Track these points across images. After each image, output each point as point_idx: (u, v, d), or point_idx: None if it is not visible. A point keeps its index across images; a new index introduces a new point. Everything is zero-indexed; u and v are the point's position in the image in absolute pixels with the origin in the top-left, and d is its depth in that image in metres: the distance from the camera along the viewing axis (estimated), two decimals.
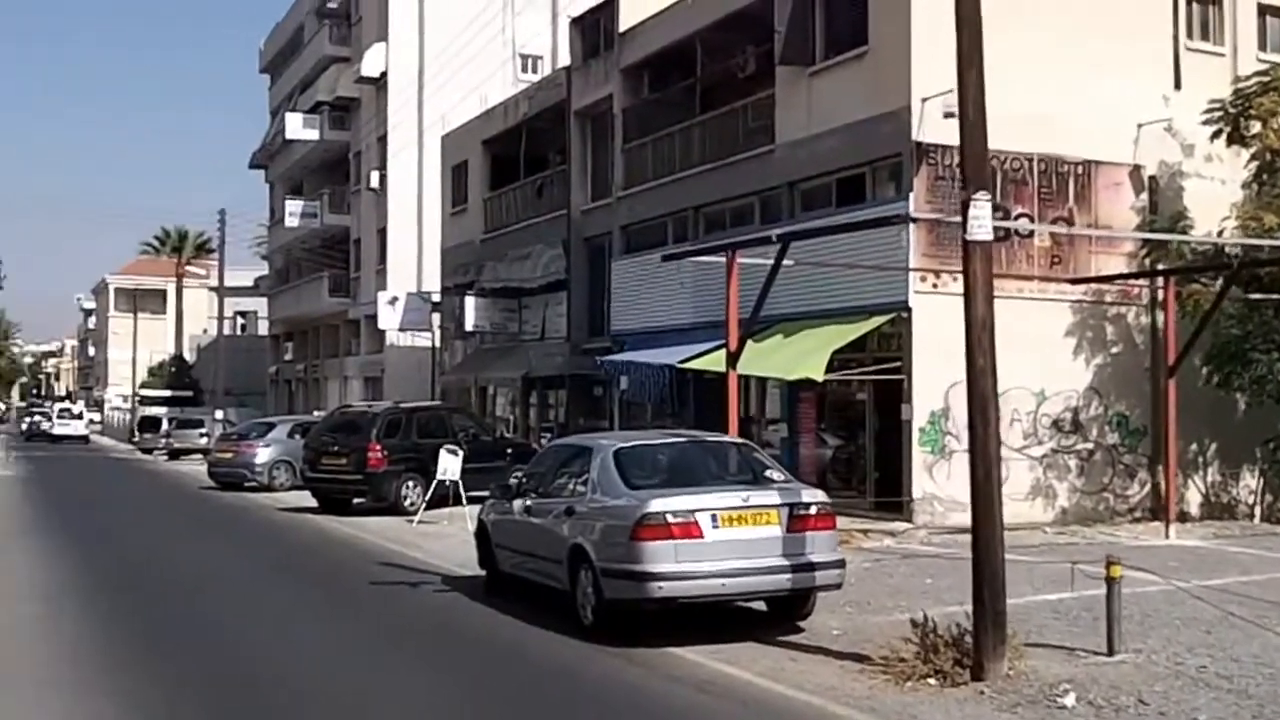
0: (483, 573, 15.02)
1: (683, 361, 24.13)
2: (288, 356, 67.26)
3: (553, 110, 35.34)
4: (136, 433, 64.87)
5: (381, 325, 46.90)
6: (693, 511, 11.27)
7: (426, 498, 23.88)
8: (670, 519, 11.18)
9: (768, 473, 12.45)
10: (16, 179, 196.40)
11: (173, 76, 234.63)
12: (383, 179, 51.77)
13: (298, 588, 16.17)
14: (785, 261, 16.17)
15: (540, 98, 36.73)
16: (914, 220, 19.35)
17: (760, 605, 12.53)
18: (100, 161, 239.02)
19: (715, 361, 21.86)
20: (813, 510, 11.78)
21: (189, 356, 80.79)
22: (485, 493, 25.02)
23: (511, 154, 38.44)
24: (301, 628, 13.09)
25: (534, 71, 47.81)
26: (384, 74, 51.33)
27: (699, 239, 27.64)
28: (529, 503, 13.45)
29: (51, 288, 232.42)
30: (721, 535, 11.28)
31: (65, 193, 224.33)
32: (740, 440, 14.22)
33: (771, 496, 11.71)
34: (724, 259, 16.66)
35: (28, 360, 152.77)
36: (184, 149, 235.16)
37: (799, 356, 21.09)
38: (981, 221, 10.22)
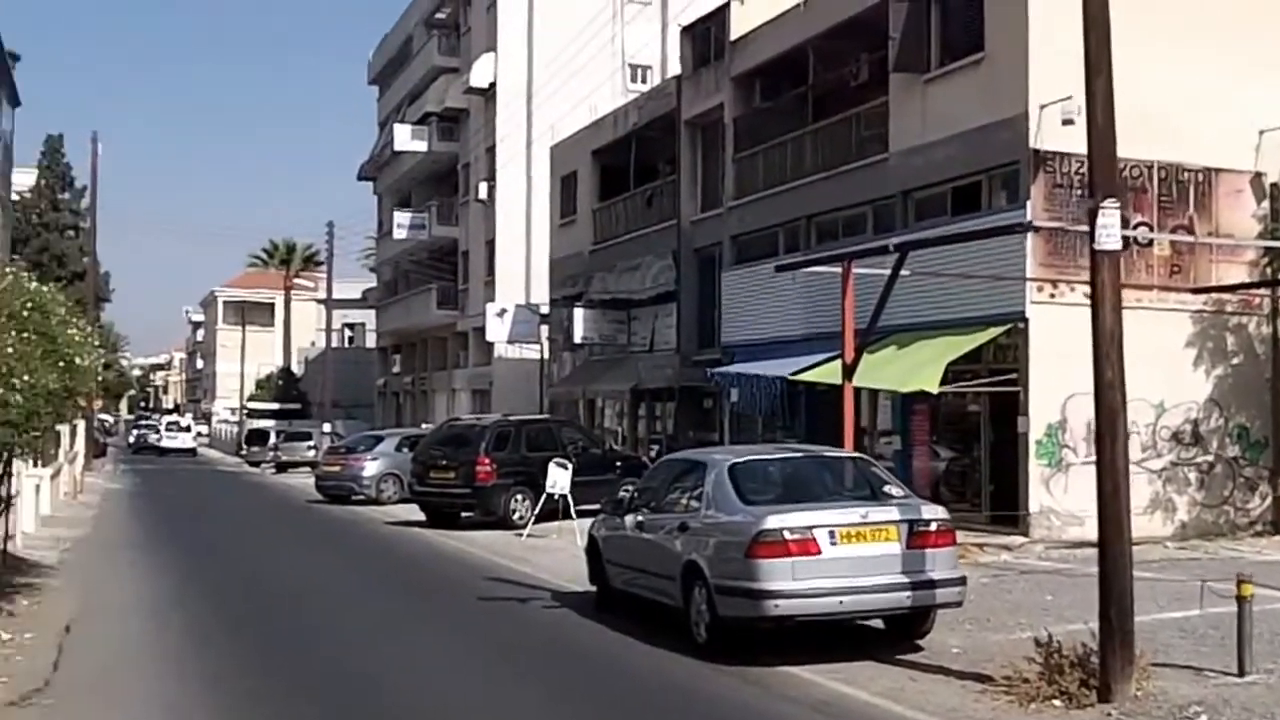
0: (593, 588, 14.84)
1: (795, 373, 23.85)
2: (396, 369, 67.63)
3: (663, 120, 35.20)
4: (244, 445, 65.43)
5: (490, 337, 47.01)
6: (810, 528, 11.01)
7: (535, 512, 23.78)
8: (787, 535, 10.93)
9: (886, 488, 12.15)
10: (126, 193, 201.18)
11: (281, 89, 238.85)
12: (491, 190, 51.89)
13: (406, 602, 16.09)
14: (901, 271, 15.82)
15: (650, 107, 36.62)
16: (1036, 229, 18.90)
17: (877, 622, 12.23)
18: (209, 175, 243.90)
19: (828, 373, 21.55)
20: (933, 526, 11.48)
21: (297, 369, 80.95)
22: (595, 506, 25.11)
23: (621, 164, 38.36)
24: (411, 643, 12.99)
25: (643, 81, 47.70)
26: (493, 84, 51.44)
27: (811, 249, 27.28)
28: (641, 518, 13.25)
29: (160, 301, 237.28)
30: (840, 552, 11.01)
31: (174, 206, 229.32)
32: (857, 454, 13.92)
33: (891, 512, 11.42)
34: (839, 269, 16.31)
35: (136, 373, 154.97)
36: (292, 162, 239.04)
37: (913, 368, 20.70)
38: (1110, 230, 9.89)
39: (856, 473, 12.75)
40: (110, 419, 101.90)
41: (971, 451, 23.16)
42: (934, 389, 20.35)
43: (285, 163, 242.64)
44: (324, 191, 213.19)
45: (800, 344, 25.94)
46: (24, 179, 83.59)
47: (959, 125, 22.45)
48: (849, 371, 14.20)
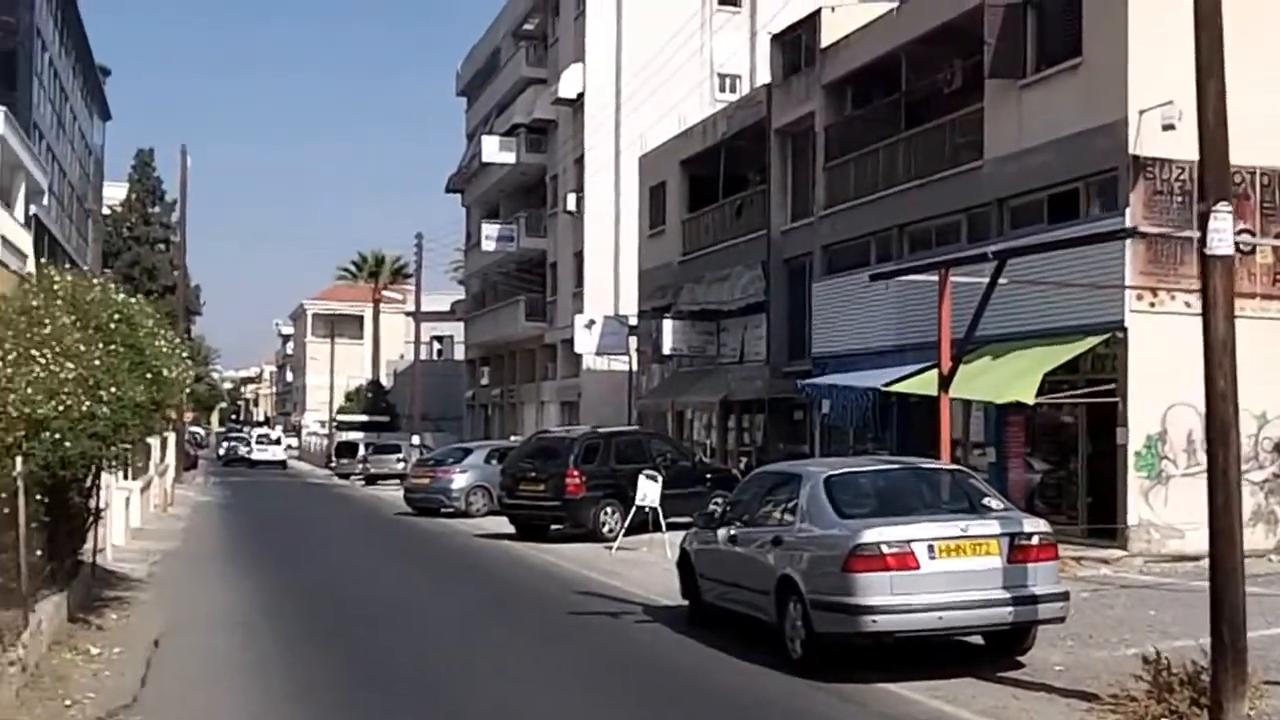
0: (685, 603, 14.60)
1: (888, 384, 23.49)
2: (484, 381, 67.68)
3: (752, 129, 34.96)
4: (333, 458, 65.61)
5: (578, 349, 46.94)
6: (908, 542, 10.73)
7: (625, 524, 23.58)
8: (885, 549, 10.66)
9: (985, 500, 11.81)
10: (216, 206, 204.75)
11: (371, 101, 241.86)
12: (579, 201, 51.86)
13: (496, 615, 15.93)
14: (998, 280, 15.42)
15: (740, 116, 36.39)
16: (1141, 235, 18.42)
17: (977, 638, 11.88)
18: (298, 188, 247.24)
19: (922, 384, 21.17)
20: (1034, 540, 11.15)
21: (385, 381, 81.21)
22: (685, 519, 24.88)
23: (710, 174, 38.16)
24: (500, 657, 12.84)
25: (732, 91, 47.43)
26: (581, 95, 51.38)
27: (903, 258, 26.93)
28: (733, 532, 13.02)
29: (251, 314, 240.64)
30: (939, 566, 10.71)
31: (264, 220, 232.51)
32: (955, 466, 13.58)
33: (991, 526, 11.08)
34: (934, 278, 15.95)
35: (227, 386, 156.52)
36: (382, 174, 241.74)
37: (1009, 379, 20.26)
38: (1223, 235, 9.52)
39: (954, 485, 12.43)
40: (202, 431, 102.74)
41: (1068, 463, 22.65)
42: (1030, 400, 19.91)
43: (375, 175, 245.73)
44: (413, 204, 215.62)
45: (892, 355, 25.60)
46: (115, 193, 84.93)
47: (1056, 131, 22.00)
48: (945, 382, 13.85)
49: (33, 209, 44.19)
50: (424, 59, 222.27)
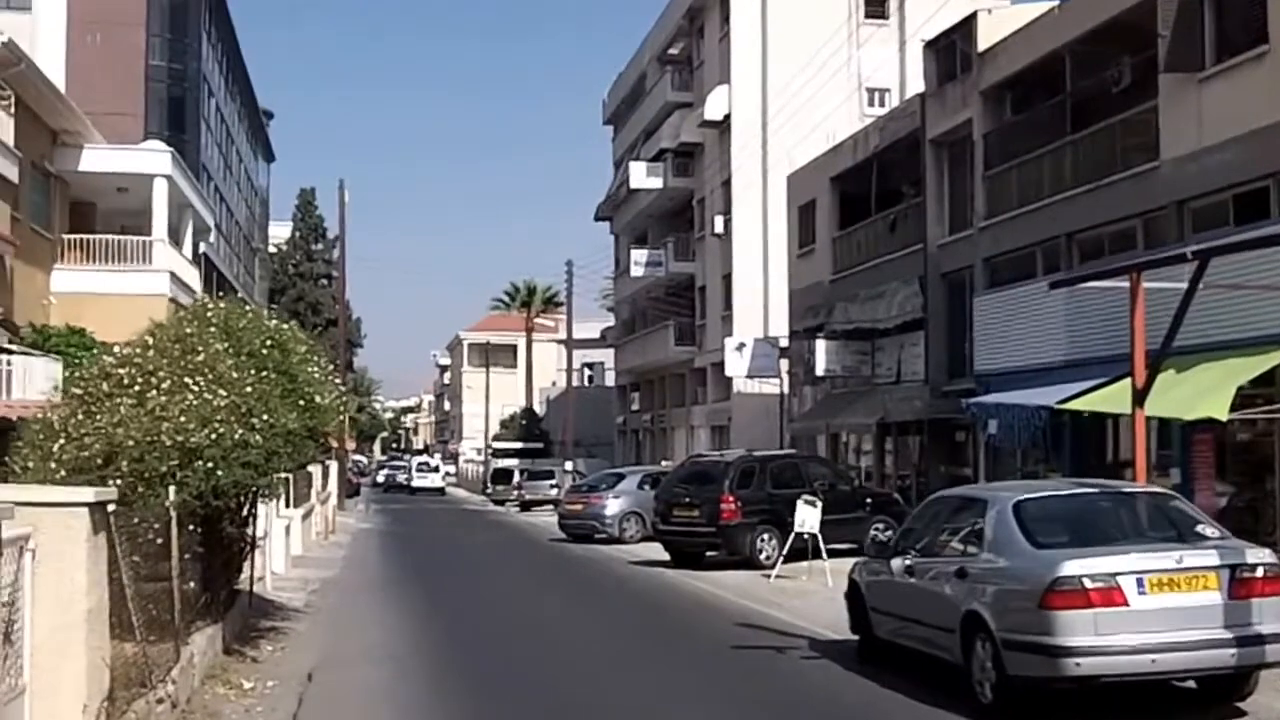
0: (854, 637, 13.65)
1: (1062, 402, 22.15)
2: (635, 406, 67.56)
3: (906, 140, 33.86)
4: (489, 484, 66.57)
5: (729, 372, 46.13)
6: (1114, 575, 9.62)
7: (783, 552, 22.59)
8: (1088, 584, 9.57)
9: (1198, 528, 10.61)
10: (377, 242, 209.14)
11: (523, 133, 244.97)
12: (727, 224, 51.25)
13: (656, 649, 15.15)
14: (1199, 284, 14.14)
15: (892, 128, 35.29)
16: None
17: (1189, 681, 10.69)
18: (453, 220, 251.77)
19: (1104, 401, 19.89)
20: (1259, 572, 9.93)
21: (539, 409, 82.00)
22: (845, 545, 23.98)
23: (861, 189, 37.09)
24: (664, 693, 12.08)
25: (880, 105, 46.22)
26: (727, 117, 50.85)
27: (1073, 269, 25.59)
28: (909, 562, 12.01)
29: (410, 346, 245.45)
30: (1150, 603, 9.59)
31: (421, 253, 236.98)
32: (1160, 489, 12.36)
33: (1209, 556, 9.92)
34: (1122, 284, 14.74)
35: (388, 416, 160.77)
36: (534, 204, 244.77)
37: (1197, 394, 18.80)
38: None
39: (1160, 510, 11.19)
40: (365, 460, 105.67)
41: (1263, 485, 21.05)
42: (1224, 416, 18.43)
43: (528, 206, 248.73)
44: (564, 234, 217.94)
45: (1062, 371, 24.28)
46: (280, 231, 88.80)
47: (1241, 126, 20.52)
48: (1140, 397, 12.66)
49: (202, 247, 45.30)
50: (574, 92, 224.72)
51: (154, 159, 37.73)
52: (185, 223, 40.94)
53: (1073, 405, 21.81)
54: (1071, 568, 9.66)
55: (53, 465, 11.30)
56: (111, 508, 8.58)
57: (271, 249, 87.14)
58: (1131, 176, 23.69)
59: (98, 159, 35.72)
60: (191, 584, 11.35)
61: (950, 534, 11.74)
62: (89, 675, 7.73)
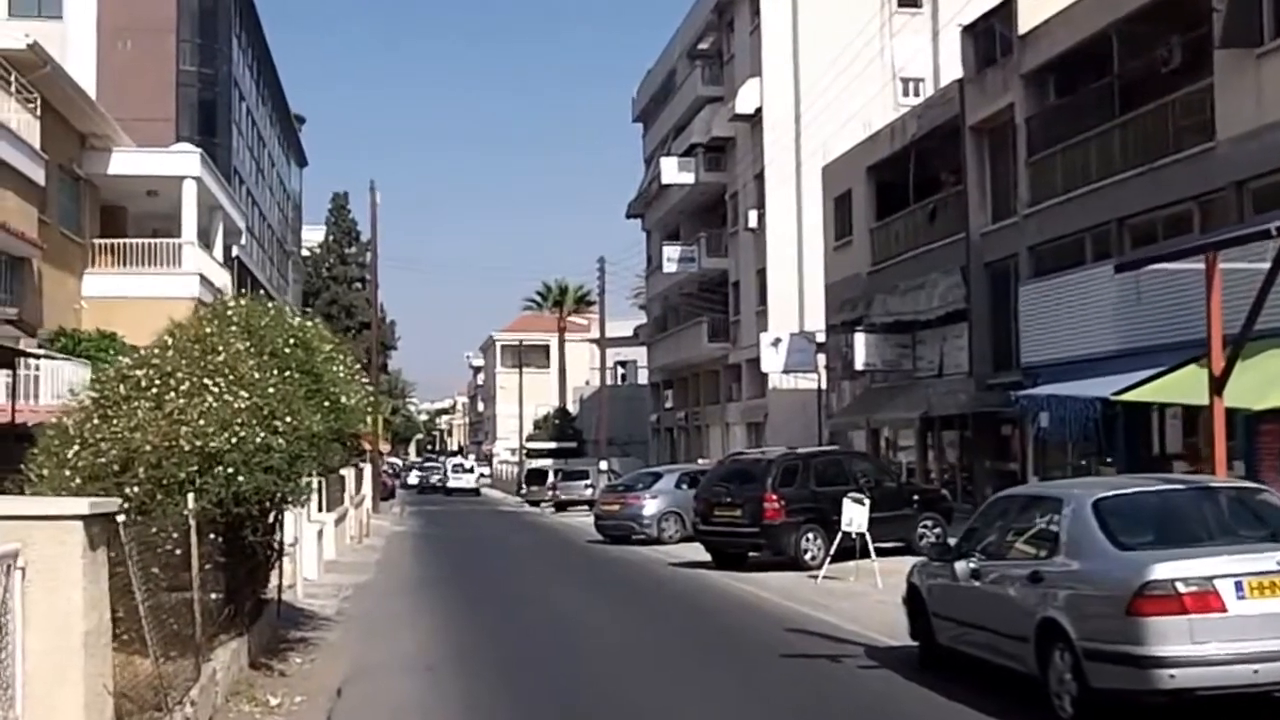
0: (913, 644, 12.91)
1: (1119, 393, 21.32)
2: (668, 404, 66.95)
3: (944, 128, 33.09)
4: (524, 485, 66.21)
5: (765, 368, 45.39)
6: (1210, 578, 8.84)
7: (831, 551, 21.82)
8: (1181, 588, 8.79)
9: None
10: (410, 244, 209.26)
11: (551, 133, 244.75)
12: (761, 218, 50.49)
13: (704, 657, 14.37)
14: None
15: (930, 116, 34.50)
16: None
17: None
18: (485, 222, 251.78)
19: (1161, 391, 19.12)
20: None
21: (572, 408, 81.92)
22: (892, 544, 23.19)
23: (899, 179, 36.31)
24: (713, 706, 11.37)
25: (915, 95, 45.35)
26: (759, 109, 50.13)
27: (1123, 255, 24.78)
28: (975, 565, 11.22)
29: (444, 348, 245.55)
30: (1250, 608, 8.80)
31: (453, 255, 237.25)
32: (1249, 484, 11.55)
33: None
34: (1195, 265, 13.91)
35: (423, 418, 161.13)
36: (564, 205, 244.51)
37: (1267, 381, 17.95)
38: None
39: (1249, 507, 10.39)
40: (400, 462, 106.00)
41: None
42: None
43: (558, 206, 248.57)
44: (594, 234, 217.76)
45: (1115, 361, 23.54)
46: (314, 235, 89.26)
47: None
48: (1219, 384, 11.86)
49: (234, 251, 44.97)
50: (602, 92, 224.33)
51: (183, 160, 37.43)
52: (216, 225, 40.75)
53: (1131, 396, 21.00)
54: (1163, 570, 8.89)
55: (67, 473, 10.70)
56: (121, 518, 7.93)
57: (305, 253, 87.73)
58: (1186, 158, 22.91)
59: (126, 162, 35.53)
60: (214, 595, 10.72)
61: (1019, 535, 10.95)
62: (88, 705, 7.03)
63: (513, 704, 11.71)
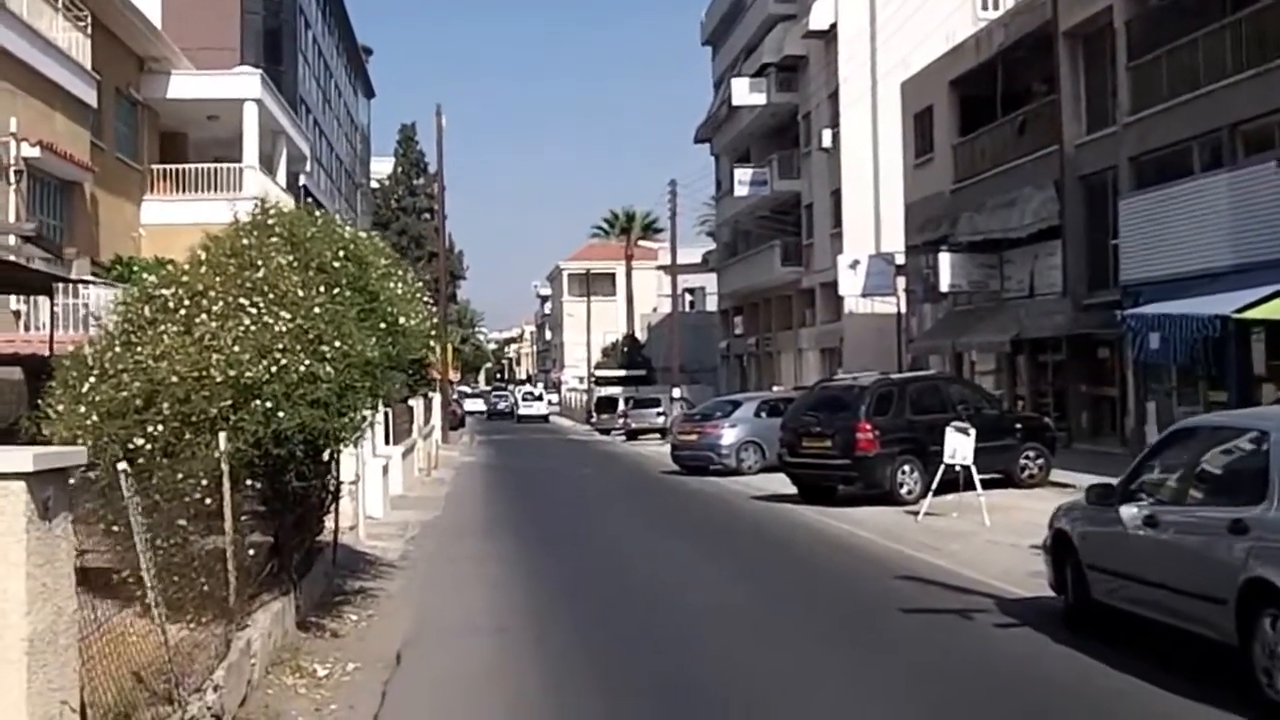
0: (1049, 595, 11.31)
1: (1240, 310, 19.51)
2: (738, 331, 65.48)
3: (1034, 36, 31.13)
4: (594, 413, 65.65)
5: (842, 291, 43.65)
6: None
7: (933, 486, 20.14)
8: None
9: None
10: (478, 175, 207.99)
11: (618, 59, 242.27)
12: (835, 137, 48.61)
13: (808, 611, 12.72)
14: None
15: (1018, 24, 32.50)
16: None
17: None
18: (551, 150, 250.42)
19: None
20: None
21: (640, 336, 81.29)
22: (992, 475, 21.53)
23: (984, 92, 34.35)
24: (830, 675, 9.80)
25: (995, 9, 43.08)
26: (833, 25, 48.18)
27: (1236, 165, 22.89)
28: (1147, 510, 9.52)
29: (512, 277, 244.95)
30: None
31: (521, 184, 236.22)
32: None
33: None
34: None
35: (491, 347, 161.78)
36: (631, 131, 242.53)
37: None
38: None
39: None
40: (469, 390, 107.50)
41: None
42: None
43: (625, 133, 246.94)
44: (662, 160, 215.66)
45: (1229, 277, 21.82)
46: (382, 167, 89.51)
47: None
48: None
49: (301, 179, 43.84)
50: (672, 14, 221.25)
51: (243, 82, 36.27)
52: (279, 150, 39.69)
53: (1257, 313, 19.20)
54: None
55: (83, 409, 9.25)
56: (123, 465, 6.34)
57: (374, 184, 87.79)
58: None
59: (186, 85, 34.46)
60: (250, 552, 9.27)
61: (1208, 476, 9.27)
62: None
63: (602, 681, 9.90)
